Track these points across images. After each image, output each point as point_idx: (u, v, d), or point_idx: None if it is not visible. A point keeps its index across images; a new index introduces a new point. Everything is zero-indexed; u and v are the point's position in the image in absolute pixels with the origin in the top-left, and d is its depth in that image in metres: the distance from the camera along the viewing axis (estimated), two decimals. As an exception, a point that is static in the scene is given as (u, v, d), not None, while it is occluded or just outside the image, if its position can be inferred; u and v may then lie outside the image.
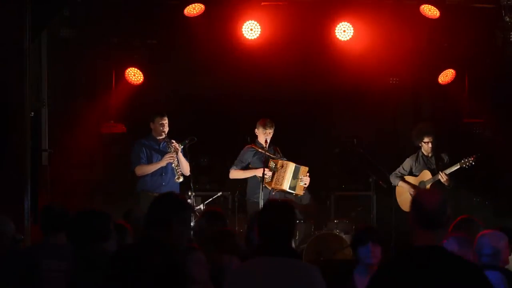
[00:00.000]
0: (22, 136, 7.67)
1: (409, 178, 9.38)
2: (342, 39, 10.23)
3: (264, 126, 8.86)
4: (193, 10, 9.84)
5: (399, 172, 9.43)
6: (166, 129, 8.77)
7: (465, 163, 8.95)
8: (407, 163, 9.39)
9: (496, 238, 5.21)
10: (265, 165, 8.78)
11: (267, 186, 8.77)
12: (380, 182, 9.50)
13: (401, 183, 9.37)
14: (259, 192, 8.77)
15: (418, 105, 11.35)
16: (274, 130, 8.97)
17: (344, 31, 10.21)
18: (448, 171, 9.01)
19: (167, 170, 8.73)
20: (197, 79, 10.65)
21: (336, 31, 10.19)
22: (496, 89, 10.41)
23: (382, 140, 11.22)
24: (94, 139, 10.11)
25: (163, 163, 8.68)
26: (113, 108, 10.30)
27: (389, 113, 11.53)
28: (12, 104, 7.63)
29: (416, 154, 9.36)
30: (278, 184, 8.77)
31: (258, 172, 8.84)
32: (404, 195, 9.38)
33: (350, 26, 10.18)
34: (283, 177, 8.79)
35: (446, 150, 9.80)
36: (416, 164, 9.31)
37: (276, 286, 3.89)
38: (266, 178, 8.75)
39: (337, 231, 9.40)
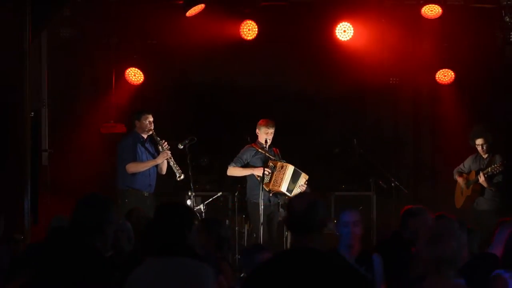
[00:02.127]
0: (22, 136, 7.66)
1: (465, 175, 9.49)
2: (342, 39, 10.24)
3: (266, 126, 8.82)
4: (194, 10, 9.84)
5: (460, 168, 9.56)
6: (152, 126, 8.70)
7: (493, 169, 9.07)
8: (467, 161, 9.51)
9: None
10: (265, 165, 8.76)
11: (265, 187, 8.73)
12: (380, 182, 9.49)
13: (457, 177, 9.52)
14: (259, 193, 8.75)
15: (418, 105, 11.34)
16: (275, 130, 8.94)
17: (345, 31, 10.22)
18: (486, 172, 9.11)
19: (152, 172, 8.68)
20: (197, 80, 10.66)
21: (336, 31, 10.20)
22: (497, 89, 10.40)
23: (382, 140, 11.21)
24: (94, 139, 10.11)
25: (159, 161, 8.61)
26: (113, 108, 10.30)
27: (389, 113, 11.53)
28: (12, 104, 7.63)
29: (476, 153, 9.43)
30: (276, 186, 8.71)
31: (256, 171, 8.80)
32: (457, 191, 9.55)
33: (350, 26, 10.19)
34: (281, 178, 8.74)
35: (446, 150, 9.83)
36: (474, 163, 9.41)
37: (163, 285, 3.87)
38: (264, 178, 8.72)
39: (337, 231, 9.38)
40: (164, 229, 3.96)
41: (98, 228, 4.06)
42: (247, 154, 8.94)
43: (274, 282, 3.53)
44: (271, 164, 8.75)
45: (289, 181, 8.77)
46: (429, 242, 3.60)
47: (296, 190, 8.82)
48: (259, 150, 8.88)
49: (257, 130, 8.92)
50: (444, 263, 3.55)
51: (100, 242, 4.06)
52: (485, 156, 9.33)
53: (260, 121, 8.92)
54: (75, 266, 3.95)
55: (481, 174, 9.11)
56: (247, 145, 9.02)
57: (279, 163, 8.79)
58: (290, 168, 8.79)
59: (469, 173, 9.45)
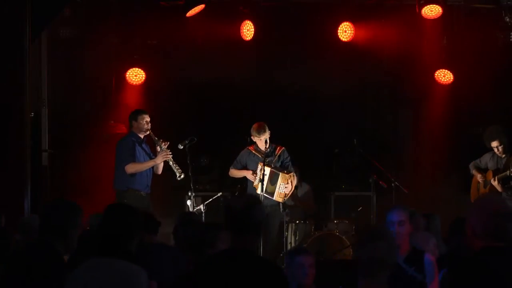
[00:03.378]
0: (22, 136, 7.67)
1: (481, 173, 9.46)
2: (343, 39, 10.25)
3: (258, 133, 8.77)
4: (193, 10, 9.85)
5: (477, 162, 9.53)
6: (149, 126, 8.68)
7: (511, 172, 9.05)
8: (485, 157, 9.46)
9: (424, 238, 5.32)
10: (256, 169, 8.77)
11: (256, 189, 8.74)
12: (380, 182, 9.49)
13: (475, 172, 9.49)
14: (259, 195, 8.76)
15: (418, 105, 11.34)
16: (275, 130, 8.91)
17: (345, 31, 10.23)
18: (500, 176, 9.10)
19: (149, 172, 8.66)
20: (197, 80, 10.65)
21: (337, 31, 10.21)
22: (497, 89, 10.40)
23: (382, 139, 11.22)
24: (94, 139, 10.11)
25: (159, 161, 8.59)
26: (113, 108, 10.30)
27: (389, 113, 11.54)
28: (12, 104, 7.63)
29: (493, 151, 9.41)
30: (261, 188, 8.73)
31: (247, 174, 8.85)
32: (473, 187, 9.52)
33: (351, 26, 10.20)
34: (263, 181, 8.72)
35: (446, 150, 9.83)
36: (491, 161, 9.37)
37: (95, 285, 3.95)
38: (254, 181, 8.73)
39: (337, 231, 9.39)
40: (106, 230, 4.07)
41: (61, 231, 4.25)
42: (243, 156, 8.97)
43: (207, 282, 3.66)
44: (259, 167, 8.72)
45: (267, 183, 8.72)
46: (360, 243, 3.62)
47: (277, 192, 8.76)
48: (253, 151, 8.88)
49: (252, 136, 8.90)
50: (374, 264, 3.53)
51: (62, 245, 4.25)
52: (502, 156, 9.30)
53: (253, 127, 8.84)
54: (30, 266, 4.15)
55: (495, 178, 9.09)
56: (246, 147, 9.02)
57: (261, 165, 8.74)
58: (267, 170, 8.74)
59: (486, 170, 9.40)
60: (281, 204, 8.92)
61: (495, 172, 9.19)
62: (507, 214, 3.63)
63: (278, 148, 8.98)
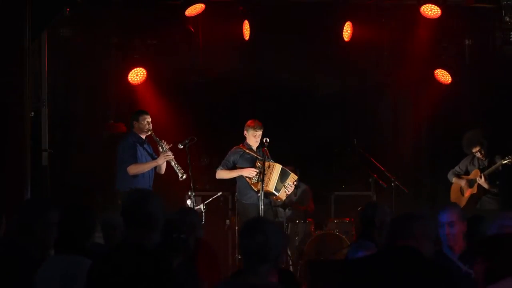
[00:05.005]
0: (22, 136, 7.66)
1: (464, 177, 9.46)
2: (345, 39, 10.26)
3: (254, 128, 8.78)
4: (193, 10, 9.86)
5: (455, 170, 9.53)
6: (151, 126, 8.68)
7: (495, 168, 9.03)
8: (463, 163, 9.48)
9: None
10: (253, 166, 8.75)
11: (253, 188, 8.72)
12: (380, 182, 9.49)
13: (455, 179, 9.49)
14: (249, 193, 8.75)
15: (418, 105, 11.34)
16: (275, 129, 8.92)
17: (346, 31, 10.23)
18: (487, 172, 9.09)
19: (151, 173, 8.66)
20: (197, 79, 10.66)
21: (337, 30, 10.22)
22: (496, 89, 10.40)
23: (382, 139, 11.22)
24: (94, 139, 10.11)
25: (160, 161, 8.60)
26: (113, 108, 10.29)
27: (389, 113, 11.54)
28: (12, 104, 7.63)
29: (472, 155, 9.40)
30: (264, 185, 8.68)
31: (244, 172, 8.79)
32: (456, 193, 9.49)
33: (351, 26, 10.21)
34: (269, 178, 8.67)
35: (446, 150, 9.80)
36: (471, 165, 9.38)
37: (56, 281, 4.09)
38: (252, 179, 8.71)
39: (337, 231, 9.39)
40: (63, 228, 4.22)
41: (28, 230, 4.25)
42: (234, 156, 8.90)
43: (99, 277, 3.70)
44: (258, 164, 8.71)
45: (277, 180, 8.73)
46: (240, 236, 3.67)
47: (283, 190, 8.77)
48: (246, 150, 8.86)
49: (245, 132, 8.88)
50: (252, 257, 3.52)
51: (32, 244, 4.24)
52: (484, 159, 9.30)
53: (249, 122, 8.87)
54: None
55: (482, 175, 9.08)
56: (234, 147, 8.98)
57: (266, 163, 8.72)
58: (278, 167, 8.74)
59: (469, 173, 9.41)
60: (272, 204, 8.92)
61: (483, 170, 9.18)
62: (413, 214, 3.87)
63: (263, 149, 8.93)
